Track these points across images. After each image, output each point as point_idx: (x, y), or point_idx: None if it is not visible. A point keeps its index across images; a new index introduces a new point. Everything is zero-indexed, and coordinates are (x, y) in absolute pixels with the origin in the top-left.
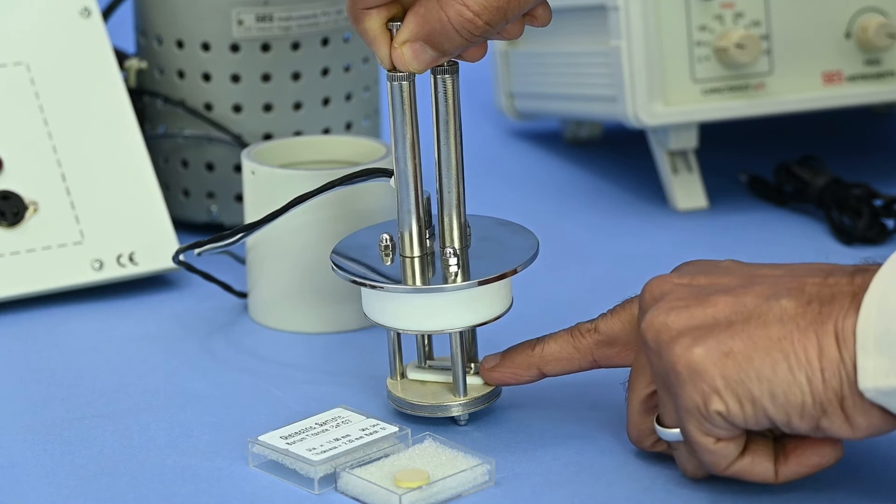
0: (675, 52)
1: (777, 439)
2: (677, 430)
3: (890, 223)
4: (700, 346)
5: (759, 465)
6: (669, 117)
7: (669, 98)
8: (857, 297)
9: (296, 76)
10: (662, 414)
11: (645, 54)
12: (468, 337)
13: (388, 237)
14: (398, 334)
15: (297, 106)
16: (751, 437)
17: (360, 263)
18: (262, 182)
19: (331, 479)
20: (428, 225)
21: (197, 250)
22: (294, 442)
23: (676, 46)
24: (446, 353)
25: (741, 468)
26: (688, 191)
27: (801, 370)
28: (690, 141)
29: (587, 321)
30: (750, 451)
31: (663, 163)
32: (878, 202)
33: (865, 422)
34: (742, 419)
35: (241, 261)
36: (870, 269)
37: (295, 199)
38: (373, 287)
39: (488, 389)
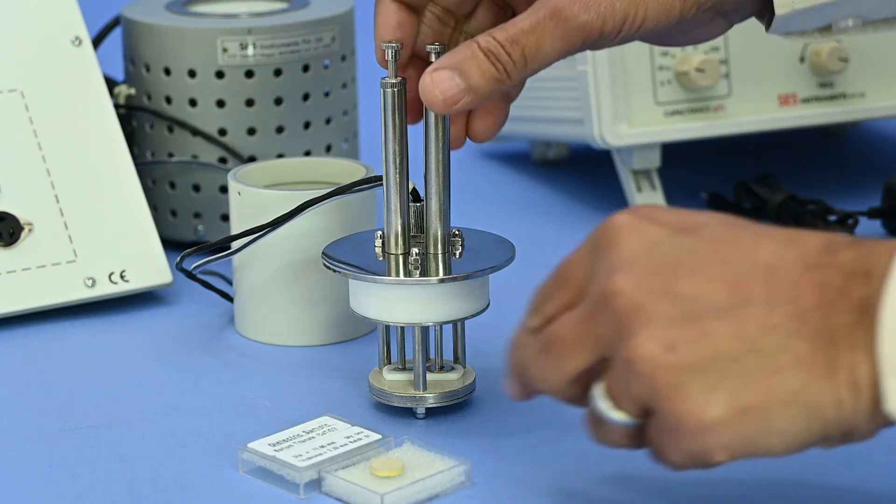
0: (638, 76)
1: None
2: (624, 416)
3: None
4: (715, 405)
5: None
6: (634, 138)
7: (633, 120)
8: (864, 314)
9: (278, 101)
10: (614, 391)
11: (610, 78)
12: (458, 336)
13: (381, 233)
14: (387, 327)
15: (280, 129)
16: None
17: (349, 258)
18: (248, 202)
19: (316, 483)
20: (419, 228)
21: (193, 266)
22: (281, 449)
23: (640, 71)
24: (447, 354)
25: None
26: None
27: (817, 420)
28: (654, 160)
29: None
30: None
31: (628, 182)
32: (832, 217)
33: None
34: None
35: (229, 281)
36: (862, 263)
37: (301, 205)
38: (335, 271)
39: (456, 387)
